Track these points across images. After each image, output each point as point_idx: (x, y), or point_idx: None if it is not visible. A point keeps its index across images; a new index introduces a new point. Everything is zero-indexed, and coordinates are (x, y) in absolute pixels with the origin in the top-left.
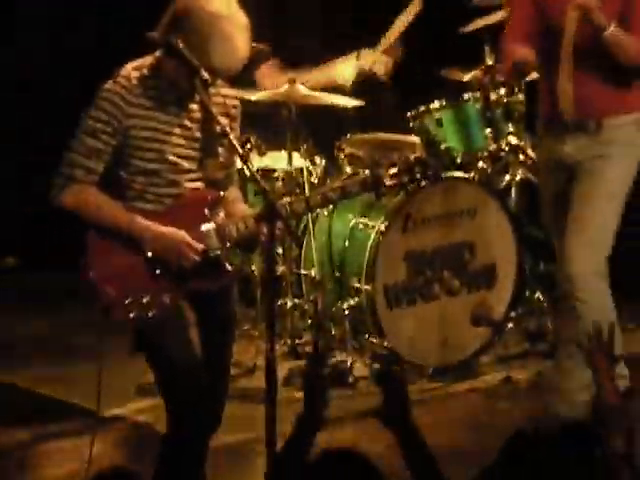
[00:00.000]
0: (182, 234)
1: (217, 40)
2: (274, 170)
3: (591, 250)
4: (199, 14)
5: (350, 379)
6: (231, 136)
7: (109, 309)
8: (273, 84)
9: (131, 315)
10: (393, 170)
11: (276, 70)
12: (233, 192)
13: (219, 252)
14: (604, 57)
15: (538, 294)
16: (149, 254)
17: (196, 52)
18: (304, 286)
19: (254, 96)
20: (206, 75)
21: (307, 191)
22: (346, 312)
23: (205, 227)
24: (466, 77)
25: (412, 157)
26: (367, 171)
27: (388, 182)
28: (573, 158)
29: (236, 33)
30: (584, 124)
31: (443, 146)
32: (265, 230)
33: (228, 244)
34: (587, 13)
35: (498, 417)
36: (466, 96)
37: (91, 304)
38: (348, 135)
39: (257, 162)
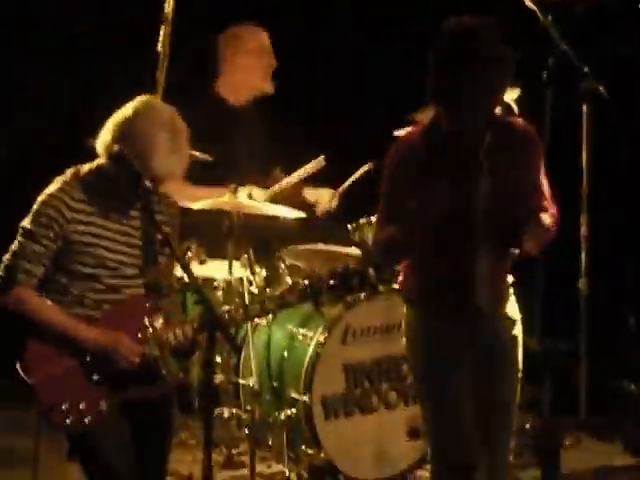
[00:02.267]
0: (120, 335)
1: (160, 148)
2: (214, 279)
3: None
4: (142, 123)
5: None
6: (172, 244)
7: (47, 413)
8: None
9: (67, 421)
10: (331, 281)
11: (182, 182)
12: (172, 299)
13: (157, 359)
14: None
15: None
16: (88, 358)
17: (139, 160)
18: (242, 395)
19: (195, 205)
20: (148, 183)
21: (247, 300)
22: (283, 422)
23: (143, 334)
24: None
25: (350, 269)
26: (306, 281)
27: (326, 293)
28: None
29: (178, 140)
30: None
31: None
32: (204, 338)
33: (166, 351)
34: None
35: None
36: None
37: (28, 407)
38: (289, 246)
39: (197, 271)
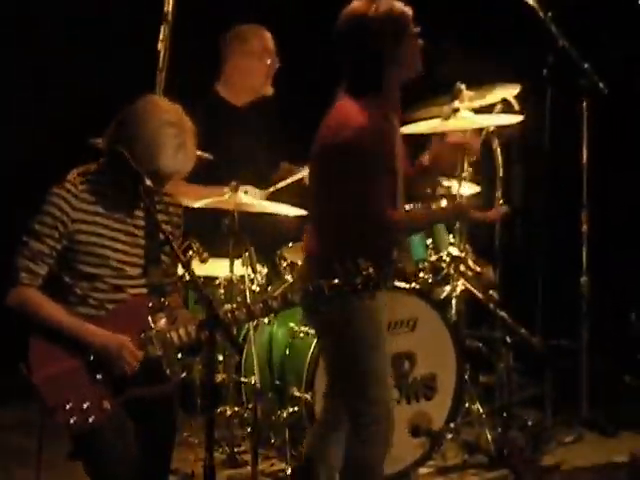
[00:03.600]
0: (124, 339)
1: (167, 146)
2: (216, 278)
3: None
4: (148, 122)
5: None
6: (174, 243)
7: (50, 413)
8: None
9: (71, 421)
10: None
11: (182, 181)
12: (175, 299)
13: (160, 358)
14: None
15: (477, 405)
16: (91, 358)
17: (145, 158)
18: (244, 394)
19: (196, 203)
20: (150, 183)
21: (248, 299)
22: (285, 420)
23: (147, 334)
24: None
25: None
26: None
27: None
28: None
29: (184, 138)
30: None
31: None
32: (206, 337)
33: (169, 351)
34: None
35: None
36: (407, 207)
37: (30, 406)
38: (290, 244)
39: (199, 269)
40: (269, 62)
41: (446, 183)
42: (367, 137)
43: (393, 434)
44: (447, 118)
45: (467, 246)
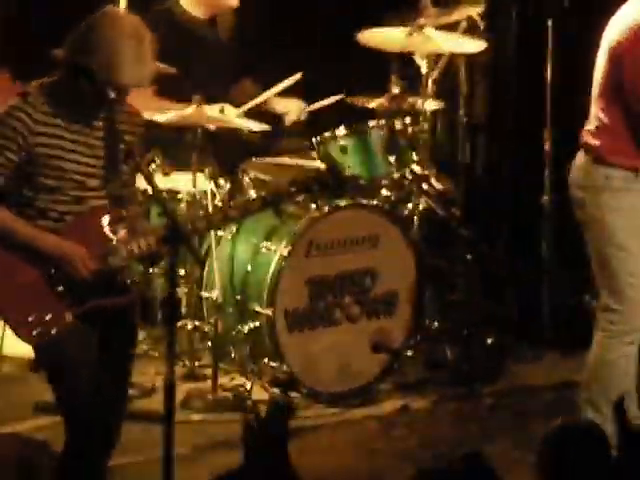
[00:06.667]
0: (79, 248)
1: (126, 57)
2: (178, 192)
3: None
4: (106, 33)
5: (249, 403)
6: (135, 155)
7: (12, 326)
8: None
9: (34, 332)
10: (292, 188)
11: (148, 94)
12: (135, 210)
13: (121, 269)
14: None
15: (437, 323)
16: (52, 271)
17: (104, 69)
18: (205, 308)
19: (160, 117)
20: (112, 94)
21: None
22: (246, 336)
23: (106, 245)
24: (372, 104)
25: (310, 176)
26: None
27: (287, 200)
28: None
29: (143, 49)
30: None
31: (347, 172)
32: (167, 250)
33: (129, 262)
34: None
35: (394, 444)
36: (371, 124)
37: None
38: (253, 158)
39: (161, 183)
40: None
41: (410, 99)
42: None
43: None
44: (410, 34)
45: (430, 163)
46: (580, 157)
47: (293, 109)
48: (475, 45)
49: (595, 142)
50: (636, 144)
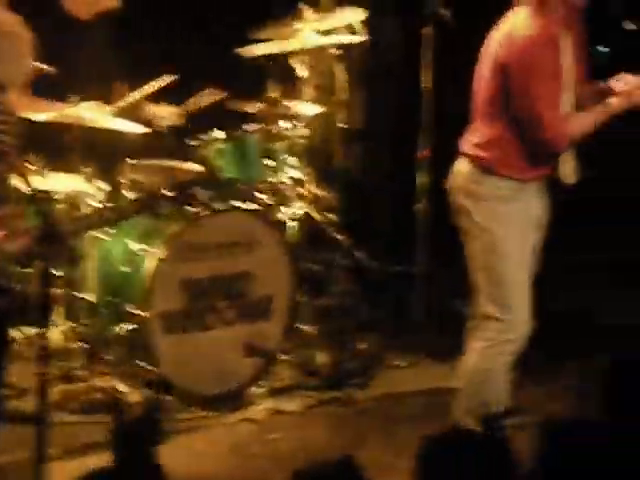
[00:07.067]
0: None
1: (1, 55)
2: (54, 192)
3: None
4: None
5: (121, 405)
6: (11, 155)
7: None
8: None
9: None
10: (169, 190)
11: (25, 94)
12: (10, 209)
13: None
14: None
15: (312, 327)
16: None
17: None
18: (79, 309)
19: (37, 117)
20: None
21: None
22: (121, 338)
23: None
24: (249, 109)
25: (186, 180)
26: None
27: (163, 203)
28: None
29: (19, 48)
30: None
31: (223, 176)
32: (42, 250)
33: (4, 261)
34: None
35: (268, 447)
36: (248, 128)
37: None
38: (130, 160)
39: (37, 183)
40: None
41: (287, 103)
42: None
43: None
44: (286, 38)
45: (308, 168)
46: (464, 166)
47: (167, 116)
48: (351, 39)
49: (483, 154)
50: (524, 156)
